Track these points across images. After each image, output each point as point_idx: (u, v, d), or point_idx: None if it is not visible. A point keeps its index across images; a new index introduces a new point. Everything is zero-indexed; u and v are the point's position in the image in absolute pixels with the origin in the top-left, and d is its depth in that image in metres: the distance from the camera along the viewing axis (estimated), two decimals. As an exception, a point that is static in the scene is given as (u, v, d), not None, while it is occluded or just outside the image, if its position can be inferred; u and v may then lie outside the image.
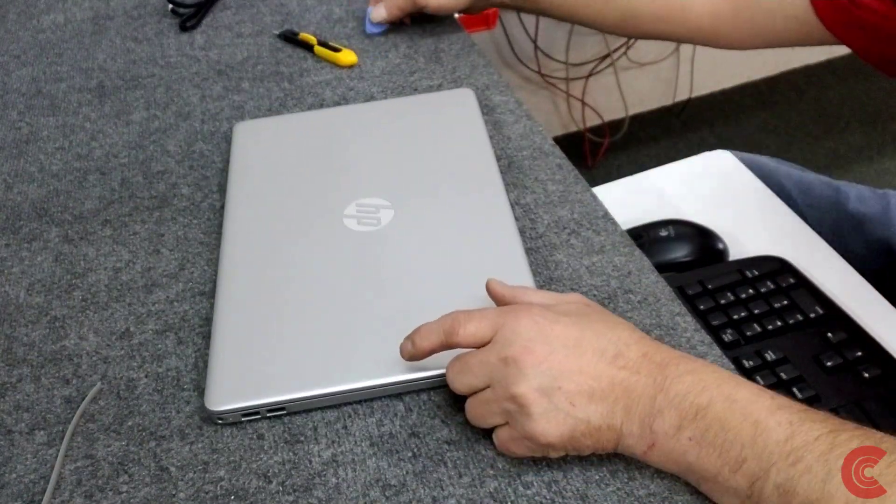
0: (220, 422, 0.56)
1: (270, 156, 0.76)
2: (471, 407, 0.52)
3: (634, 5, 0.84)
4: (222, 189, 0.76)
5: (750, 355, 0.63)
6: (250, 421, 0.56)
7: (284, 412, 0.56)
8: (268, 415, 0.56)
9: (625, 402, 0.47)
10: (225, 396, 0.56)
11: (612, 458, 0.52)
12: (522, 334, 0.49)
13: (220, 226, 0.72)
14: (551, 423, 0.47)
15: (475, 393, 0.51)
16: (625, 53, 2.06)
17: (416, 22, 0.95)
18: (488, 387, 0.50)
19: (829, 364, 0.63)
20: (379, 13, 0.90)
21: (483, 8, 0.94)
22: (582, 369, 0.47)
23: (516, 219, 0.67)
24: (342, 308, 0.60)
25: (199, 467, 0.54)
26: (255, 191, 0.72)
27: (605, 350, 0.48)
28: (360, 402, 0.57)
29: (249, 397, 0.56)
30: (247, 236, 0.67)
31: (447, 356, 0.53)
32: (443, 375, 0.54)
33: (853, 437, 0.42)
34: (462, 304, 0.55)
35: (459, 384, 0.51)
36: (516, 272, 0.61)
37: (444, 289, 0.61)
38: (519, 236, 0.64)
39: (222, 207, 0.74)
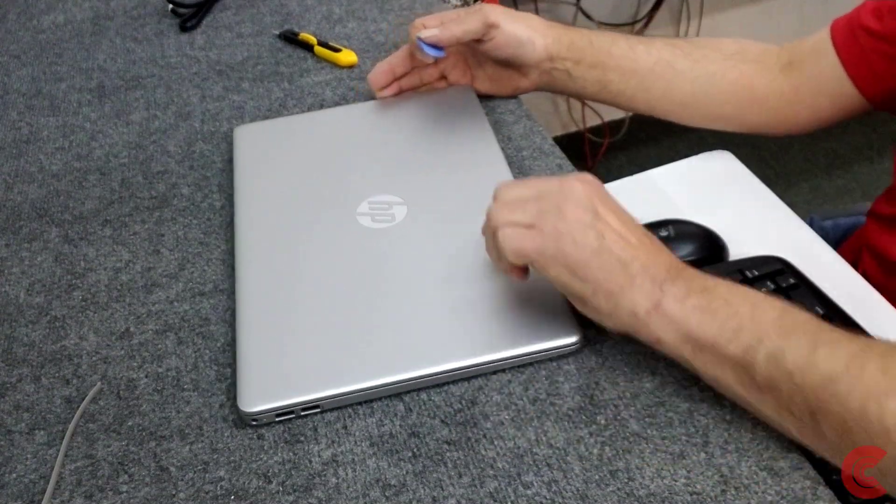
0: (254, 423, 0.56)
1: (275, 158, 0.76)
2: (505, 201, 0.54)
3: (698, 88, 0.78)
4: (222, 189, 0.76)
5: (750, 355, 0.63)
6: (283, 421, 0.56)
7: (319, 410, 0.56)
8: (302, 414, 0.56)
9: (645, 260, 0.50)
10: (258, 397, 0.56)
11: (613, 458, 0.52)
12: (575, 189, 0.52)
13: (221, 226, 0.72)
14: (579, 233, 0.50)
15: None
16: (625, 53, 2.06)
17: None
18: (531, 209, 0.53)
19: (829, 364, 0.63)
20: (430, 31, 0.73)
21: (539, 87, 0.81)
22: (623, 222, 0.52)
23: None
24: (365, 303, 0.61)
25: (199, 467, 0.54)
26: (264, 193, 0.72)
27: (636, 228, 0.53)
28: (391, 396, 0.57)
29: (284, 397, 0.56)
30: (262, 238, 0.68)
31: (473, 353, 0.56)
32: (479, 365, 0.56)
33: (836, 331, 0.46)
34: (480, 294, 0.59)
35: (507, 192, 0.55)
36: None
37: (462, 281, 0.62)
38: None
39: (222, 207, 0.74)
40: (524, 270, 0.56)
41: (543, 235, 0.51)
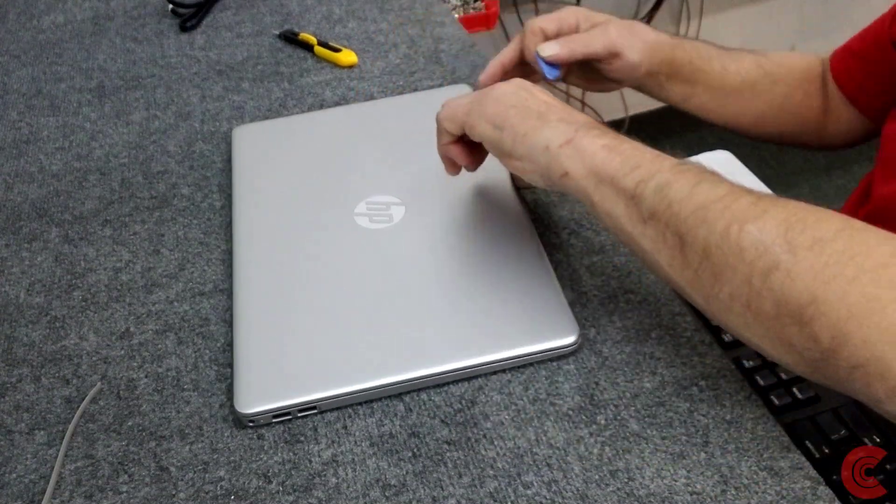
0: (251, 424, 0.56)
1: (274, 158, 0.76)
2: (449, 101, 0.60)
3: (769, 109, 0.82)
4: (222, 189, 0.76)
5: (750, 355, 0.63)
6: (281, 422, 0.56)
7: (316, 411, 0.56)
8: (299, 415, 0.56)
9: (562, 114, 0.55)
10: (255, 398, 0.56)
11: (613, 458, 0.52)
12: (503, 86, 0.58)
13: (221, 226, 0.72)
14: (502, 95, 0.57)
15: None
16: (625, 53, 2.06)
17: (417, 24, 0.95)
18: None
19: (829, 364, 0.63)
20: (551, 48, 0.72)
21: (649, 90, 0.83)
22: (547, 96, 0.57)
23: (516, 219, 0.67)
24: (363, 304, 0.61)
25: (199, 467, 0.54)
26: (262, 193, 0.72)
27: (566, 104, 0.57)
28: (390, 396, 0.57)
29: (280, 398, 0.56)
30: (260, 238, 0.68)
31: (470, 355, 0.57)
32: (477, 366, 0.57)
33: (728, 179, 0.49)
34: (480, 295, 0.60)
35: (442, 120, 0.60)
36: (532, 259, 0.63)
37: (462, 282, 0.62)
38: (532, 224, 0.65)
39: (222, 207, 0.74)
40: (455, 166, 0.63)
41: (471, 101, 0.58)
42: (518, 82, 0.58)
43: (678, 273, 0.48)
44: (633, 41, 0.74)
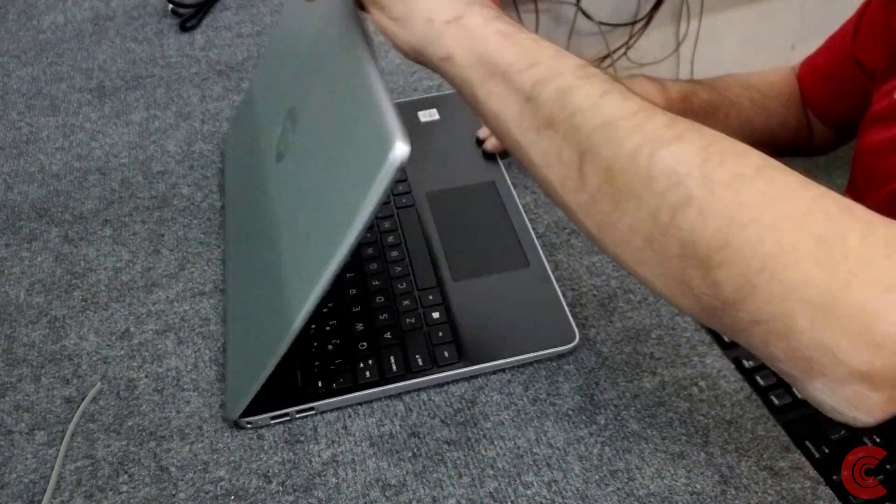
0: (248, 426, 0.56)
1: None
2: None
3: (760, 138, 0.83)
4: (222, 189, 0.76)
5: (750, 355, 0.63)
6: (280, 423, 0.56)
7: (314, 412, 0.56)
8: (297, 416, 0.56)
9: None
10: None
11: (612, 458, 0.52)
12: None
13: (221, 226, 0.72)
14: None
15: None
16: (625, 54, 2.06)
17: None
18: None
19: (828, 364, 0.63)
20: (492, 142, 0.73)
21: None
22: None
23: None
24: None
25: (200, 467, 0.54)
26: None
27: None
28: (390, 397, 0.57)
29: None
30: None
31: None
32: (489, 369, 0.56)
33: (637, 93, 0.42)
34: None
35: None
36: (533, 261, 0.63)
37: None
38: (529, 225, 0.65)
39: (223, 208, 0.74)
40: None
41: None
42: None
43: (571, 195, 0.42)
44: None
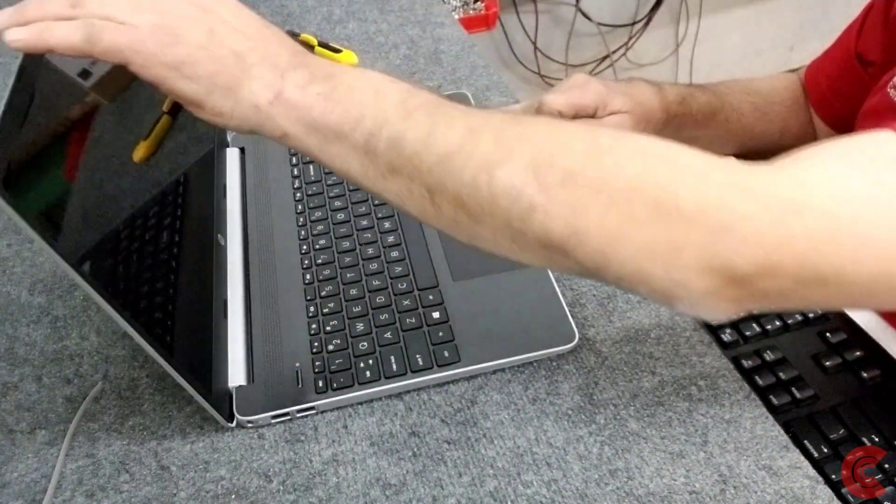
0: (249, 426, 0.56)
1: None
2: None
3: (762, 142, 0.85)
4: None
5: (749, 355, 0.63)
6: (281, 422, 0.56)
7: (314, 411, 0.56)
8: (297, 416, 0.56)
9: (264, 50, 0.46)
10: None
11: (612, 458, 0.52)
12: None
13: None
14: (183, 27, 0.44)
15: None
16: (624, 54, 2.06)
17: (417, 24, 0.95)
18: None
19: (827, 364, 0.63)
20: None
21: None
22: (237, 14, 0.47)
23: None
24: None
25: (200, 466, 0.54)
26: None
27: (268, 24, 0.48)
28: (390, 396, 0.57)
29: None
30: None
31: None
32: (489, 369, 0.56)
33: (457, 108, 0.45)
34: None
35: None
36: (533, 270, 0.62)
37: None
38: None
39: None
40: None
41: (139, 30, 0.44)
42: None
43: (433, 220, 0.45)
44: (648, 130, 0.74)
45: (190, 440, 0.56)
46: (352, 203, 0.71)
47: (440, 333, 0.59)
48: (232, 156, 0.77)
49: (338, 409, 0.57)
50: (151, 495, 0.53)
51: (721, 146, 0.85)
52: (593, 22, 1.93)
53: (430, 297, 0.61)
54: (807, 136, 0.87)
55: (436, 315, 0.60)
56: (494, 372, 0.58)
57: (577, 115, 0.71)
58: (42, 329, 0.65)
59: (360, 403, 0.57)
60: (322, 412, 0.56)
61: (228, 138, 0.80)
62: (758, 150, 0.87)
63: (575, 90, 0.72)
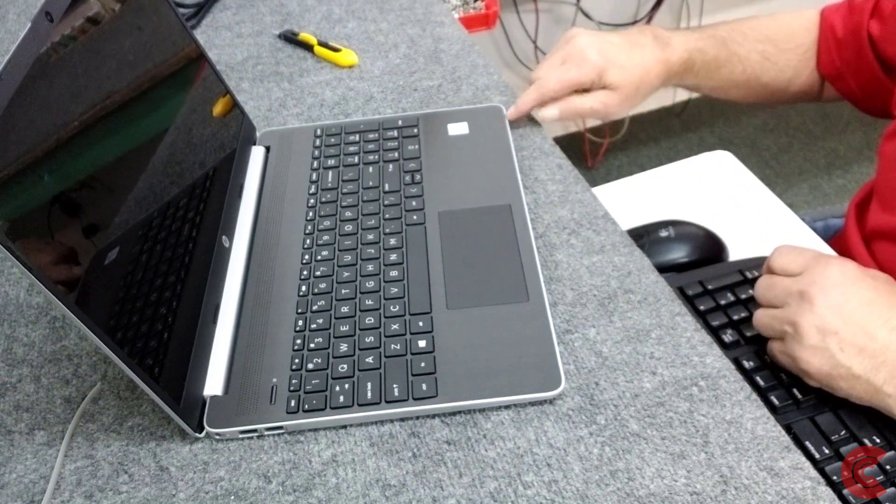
0: (217, 438, 0.56)
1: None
2: (760, 314, 0.60)
3: (773, 91, 0.87)
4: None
5: (750, 355, 0.63)
6: (247, 438, 0.56)
7: (283, 431, 0.56)
8: (265, 433, 0.56)
9: (892, 367, 0.53)
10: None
11: (612, 458, 0.52)
12: (828, 278, 0.55)
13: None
14: (815, 356, 0.55)
15: (770, 307, 0.59)
16: (625, 53, 2.06)
17: (417, 24, 0.95)
18: (781, 307, 0.58)
19: (828, 364, 0.63)
20: (551, 113, 0.77)
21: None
22: (863, 327, 0.54)
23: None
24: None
25: (199, 467, 0.54)
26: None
27: (889, 319, 0.54)
28: (360, 425, 0.56)
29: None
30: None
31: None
32: (464, 408, 0.55)
33: None
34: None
35: (762, 296, 0.60)
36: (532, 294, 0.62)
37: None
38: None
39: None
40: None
41: (788, 359, 0.58)
42: (851, 268, 0.57)
43: None
44: (628, 93, 0.77)
45: (189, 441, 0.56)
46: (362, 215, 0.69)
47: (422, 364, 0.57)
48: (256, 154, 0.77)
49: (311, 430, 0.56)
50: (150, 496, 0.53)
51: (723, 94, 0.87)
52: (594, 21, 1.93)
53: (420, 324, 0.59)
54: (814, 84, 0.86)
55: (422, 344, 0.58)
56: (470, 412, 0.56)
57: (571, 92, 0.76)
58: (40, 329, 0.65)
59: (328, 429, 0.56)
60: (290, 433, 0.56)
61: (257, 135, 0.79)
62: (762, 96, 0.87)
63: (571, 66, 0.75)
